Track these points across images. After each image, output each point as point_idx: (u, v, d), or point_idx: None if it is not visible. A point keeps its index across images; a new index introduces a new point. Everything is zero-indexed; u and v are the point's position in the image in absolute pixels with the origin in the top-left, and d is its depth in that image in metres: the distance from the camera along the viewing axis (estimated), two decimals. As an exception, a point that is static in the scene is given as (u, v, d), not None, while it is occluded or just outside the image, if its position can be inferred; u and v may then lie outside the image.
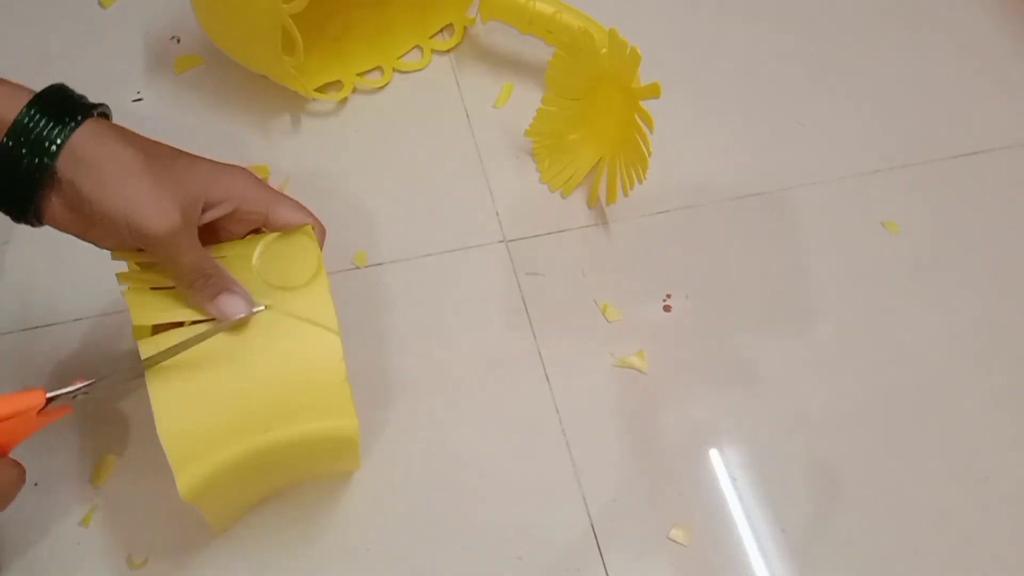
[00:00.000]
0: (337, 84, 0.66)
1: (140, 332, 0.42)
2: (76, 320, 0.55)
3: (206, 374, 0.39)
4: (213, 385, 0.39)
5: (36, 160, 0.35)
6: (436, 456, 0.53)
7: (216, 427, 0.39)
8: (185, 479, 0.38)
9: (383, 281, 0.58)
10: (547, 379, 0.56)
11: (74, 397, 0.38)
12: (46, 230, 0.56)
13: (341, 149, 0.64)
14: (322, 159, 0.63)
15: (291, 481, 0.50)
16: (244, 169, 0.42)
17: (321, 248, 0.44)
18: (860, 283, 0.61)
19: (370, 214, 0.61)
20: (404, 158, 0.64)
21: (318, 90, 0.64)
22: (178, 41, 0.67)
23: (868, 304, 0.60)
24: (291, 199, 0.43)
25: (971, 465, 0.55)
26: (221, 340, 0.40)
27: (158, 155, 0.38)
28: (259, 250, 0.43)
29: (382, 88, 0.67)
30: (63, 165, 0.36)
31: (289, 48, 0.57)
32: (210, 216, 0.40)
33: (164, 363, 0.39)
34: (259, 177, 0.42)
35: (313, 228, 0.44)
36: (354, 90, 0.66)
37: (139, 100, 0.64)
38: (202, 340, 0.39)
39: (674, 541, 0.51)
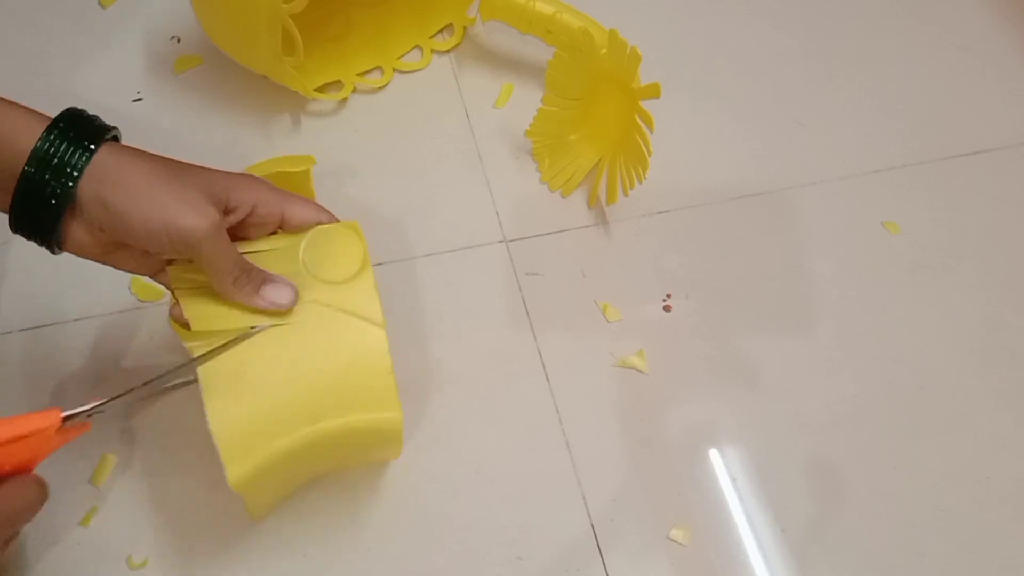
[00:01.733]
0: (337, 84, 0.66)
1: (189, 335, 0.42)
2: (76, 320, 0.55)
3: (255, 369, 0.40)
4: (262, 379, 0.40)
5: (59, 186, 0.36)
6: (436, 456, 0.53)
7: (265, 420, 0.40)
8: (235, 471, 0.39)
9: (383, 281, 0.58)
10: (547, 379, 0.56)
11: (89, 416, 0.39)
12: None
13: (341, 149, 0.64)
14: (322, 159, 0.62)
15: (332, 469, 0.50)
16: (255, 176, 0.42)
17: None
18: (860, 283, 0.61)
19: (370, 214, 0.61)
20: (404, 158, 0.64)
21: (318, 90, 0.64)
22: (178, 41, 0.67)
23: (868, 304, 0.60)
24: (305, 198, 0.44)
25: (971, 465, 0.55)
26: (269, 335, 0.41)
27: (175, 164, 0.39)
28: (304, 244, 0.43)
29: (382, 88, 0.67)
30: (86, 186, 0.36)
31: (289, 48, 0.57)
32: (232, 220, 0.40)
33: (214, 360, 0.40)
34: (269, 182, 0.43)
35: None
36: (354, 90, 0.66)
37: (139, 100, 0.64)
38: (246, 339, 0.40)
39: (674, 541, 0.51)
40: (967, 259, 0.63)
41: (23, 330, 0.54)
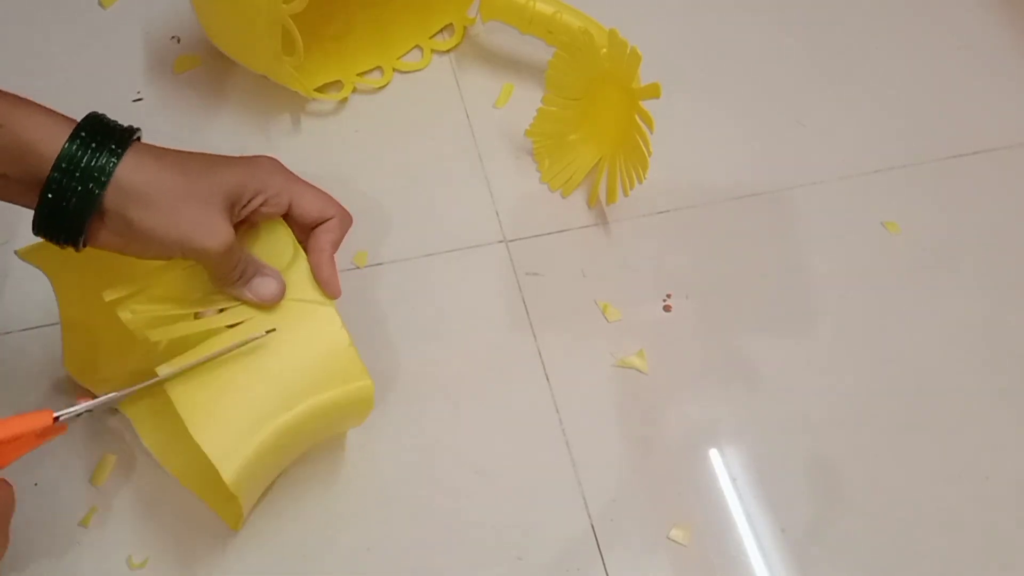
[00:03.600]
0: (337, 84, 0.66)
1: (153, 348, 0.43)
2: (76, 320, 0.55)
3: (220, 371, 0.41)
4: (229, 380, 0.41)
5: (86, 191, 0.36)
6: (436, 456, 0.53)
7: (243, 417, 0.41)
8: (229, 472, 0.40)
9: (383, 281, 0.58)
10: (547, 379, 0.56)
11: (79, 416, 0.39)
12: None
13: (341, 149, 0.64)
14: (322, 159, 0.63)
15: (310, 447, 0.51)
16: (270, 159, 0.43)
17: (342, 236, 0.45)
18: (860, 283, 0.61)
19: (370, 214, 0.61)
20: (404, 158, 0.64)
21: (318, 90, 0.64)
22: (178, 41, 0.67)
23: (868, 304, 0.60)
24: (315, 188, 0.44)
25: (971, 465, 0.55)
26: (227, 338, 0.42)
27: (193, 169, 0.39)
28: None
29: (382, 88, 0.67)
30: (110, 197, 0.37)
31: (289, 48, 0.57)
32: (245, 212, 0.41)
33: (179, 375, 0.41)
34: (285, 167, 0.43)
35: (327, 220, 0.44)
36: (354, 90, 0.66)
37: (139, 100, 0.64)
38: (217, 356, 0.41)
39: (674, 541, 0.51)
40: (967, 259, 0.63)
41: (23, 330, 0.54)
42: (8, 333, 0.54)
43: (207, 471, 0.41)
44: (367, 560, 0.49)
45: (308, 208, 0.43)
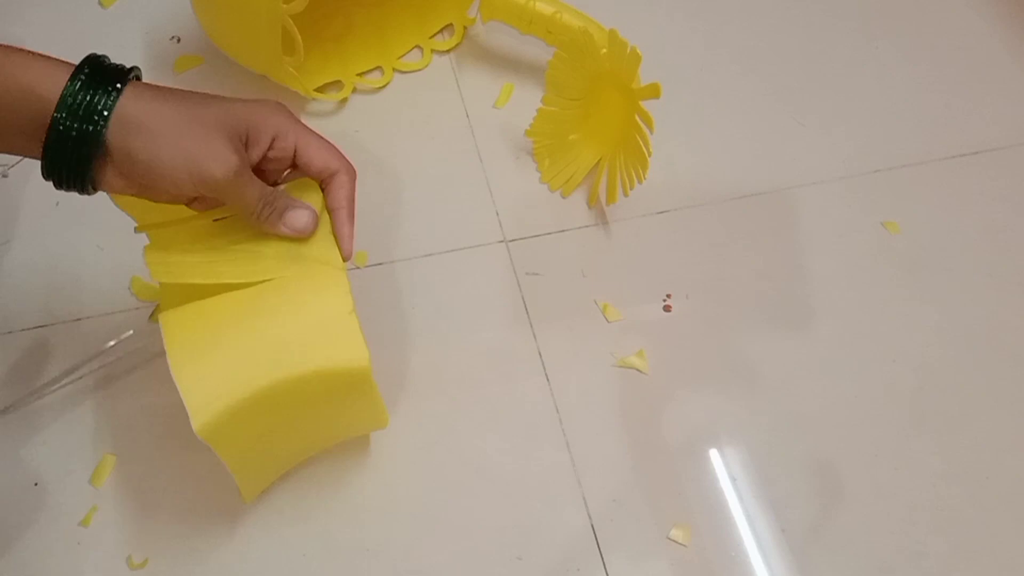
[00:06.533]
0: (337, 84, 0.66)
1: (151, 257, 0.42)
2: (76, 320, 0.55)
3: (217, 316, 0.40)
4: (224, 326, 0.40)
5: (89, 130, 0.36)
6: (436, 456, 0.53)
7: (228, 366, 0.40)
8: (200, 417, 0.39)
9: (383, 281, 0.58)
10: (547, 379, 0.56)
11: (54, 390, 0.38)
12: (48, 229, 0.56)
13: (341, 149, 0.63)
14: (322, 159, 0.63)
15: (319, 435, 0.49)
16: (276, 102, 0.42)
17: (353, 191, 0.44)
18: (860, 283, 0.61)
19: (370, 214, 0.61)
20: (404, 158, 0.64)
21: (318, 90, 0.64)
22: (178, 41, 0.67)
23: (868, 304, 0.60)
24: (322, 138, 0.44)
25: (971, 465, 0.55)
26: (232, 288, 0.41)
27: (196, 103, 0.39)
28: None
29: (382, 88, 0.67)
30: (113, 133, 0.37)
31: (289, 48, 0.57)
32: (256, 154, 0.41)
33: (177, 308, 0.40)
34: (289, 110, 0.43)
35: (335, 175, 0.44)
36: (354, 90, 0.66)
37: (139, 100, 0.64)
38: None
39: (674, 541, 0.51)
40: (967, 259, 0.63)
41: (23, 330, 0.54)
42: (8, 333, 0.54)
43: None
44: (367, 560, 0.49)
45: (313, 155, 0.43)
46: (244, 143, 0.40)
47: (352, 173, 0.44)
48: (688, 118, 0.66)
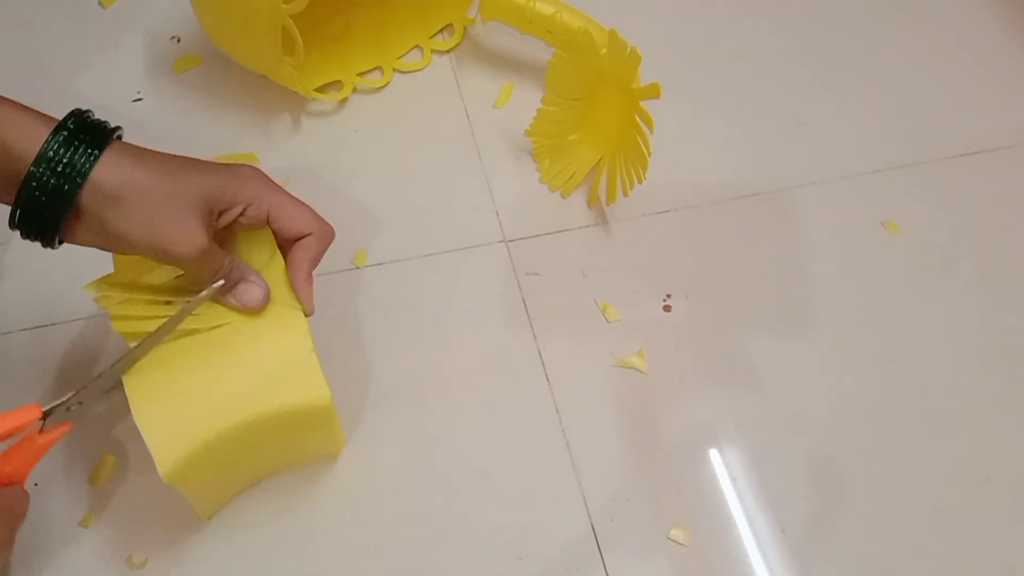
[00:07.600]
0: (337, 84, 0.66)
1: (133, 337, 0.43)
2: (76, 320, 0.55)
3: (178, 362, 0.41)
4: (186, 372, 0.41)
5: (62, 190, 0.37)
6: (436, 456, 0.53)
7: (191, 410, 0.41)
8: (166, 462, 0.39)
9: (383, 281, 0.58)
10: (547, 379, 0.56)
11: (68, 409, 0.39)
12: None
13: (341, 149, 0.64)
14: (322, 159, 0.63)
15: (278, 461, 0.50)
16: (253, 168, 0.43)
17: (321, 252, 0.45)
18: (860, 283, 0.61)
19: (370, 214, 0.61)
20: (404, 158, 0.64)
21: (318, 90, 0.64)
22: (178, 41, 0.67)
23: (868, 304, 0.60)
24: (296, 200, 0.44)
25: (971, 465, 0.55)
26: (191, 334, 0.42)
27: (172, 172, 0.39)
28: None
29: (382, 88, 0.67)
30: (87, 197, 0.37)
31: (289, 48, 0.57)
32: (224, 221, 0.42)
33: (140, 359, 0.41)
34: (267, 176, 0.43)
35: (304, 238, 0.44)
36: (354, 90, 0.66)
37: (139, 100, 0.64)
38: (179, 320, 0.41)
39: (674, 541, 0.51)
40: (967, 259, 0.63)
41: (23, 330, 0.54)
42: (8, 333, 0.54)
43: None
44: (367, 560, 0.49)
45: (287, 222, 0.43)
46: (216, 215, 0.41)
47: (327, 235, 0.45)
48: (688, 118, 0.66)
